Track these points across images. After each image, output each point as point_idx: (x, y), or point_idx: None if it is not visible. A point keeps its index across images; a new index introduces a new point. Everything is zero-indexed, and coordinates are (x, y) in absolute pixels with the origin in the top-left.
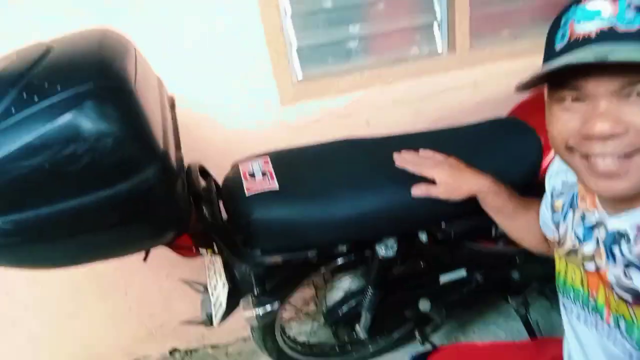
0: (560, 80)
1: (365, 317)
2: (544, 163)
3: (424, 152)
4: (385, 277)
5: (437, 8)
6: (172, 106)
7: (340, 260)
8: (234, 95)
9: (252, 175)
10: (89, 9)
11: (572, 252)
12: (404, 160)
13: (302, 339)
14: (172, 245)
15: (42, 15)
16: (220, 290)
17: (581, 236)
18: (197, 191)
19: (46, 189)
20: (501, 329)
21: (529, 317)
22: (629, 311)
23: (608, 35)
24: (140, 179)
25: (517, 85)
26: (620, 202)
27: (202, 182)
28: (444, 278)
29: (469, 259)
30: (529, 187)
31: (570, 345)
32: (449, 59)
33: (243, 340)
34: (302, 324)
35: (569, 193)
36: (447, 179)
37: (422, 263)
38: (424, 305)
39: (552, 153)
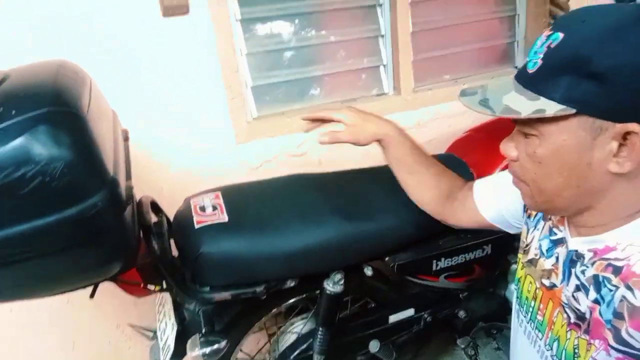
0: None
1: None
2: None
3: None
4: (335, 315)
5: (383, 52)
6: (126, 139)
7: (290, 300)
8: (190, 133)
9: (203, 208)
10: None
11: (533, 261)
12: (314, 114)
13: None
14: (120, 281)
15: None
16: (169, 333)
17: (545, 249)
18: (147, 224)
19: None
20: None
21: (478, 359)
22: (566, 334)
23: (525, 74)
24: (88, 205)
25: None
26: (584, 228)
27: (154, 218)
28: (393, 318)
29: (414, 296)
30: None
31: (512, 354)
32: (394, 99)
33: None
34: None
35: None
36: (352, 121)
37: (371, 302)
38: (374, 346)
39: None
